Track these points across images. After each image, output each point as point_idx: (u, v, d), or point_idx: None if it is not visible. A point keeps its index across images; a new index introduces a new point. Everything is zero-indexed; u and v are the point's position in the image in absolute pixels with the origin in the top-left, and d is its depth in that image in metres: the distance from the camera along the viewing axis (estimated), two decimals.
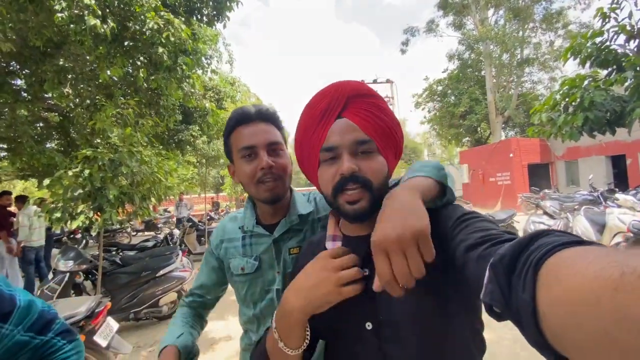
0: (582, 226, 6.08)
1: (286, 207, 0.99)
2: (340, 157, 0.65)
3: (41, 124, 7.91)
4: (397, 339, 0.62)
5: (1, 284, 0.66)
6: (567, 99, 3.21)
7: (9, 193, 6.30)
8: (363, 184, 0.64)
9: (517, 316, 0.37)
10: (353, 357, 0.66)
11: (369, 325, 0.63)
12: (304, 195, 1.06)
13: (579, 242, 0.36)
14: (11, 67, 5.97)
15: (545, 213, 5.88)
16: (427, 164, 0.72)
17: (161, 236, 8.51)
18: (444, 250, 0.59)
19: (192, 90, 3.98)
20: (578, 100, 2.97)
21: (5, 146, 7.39)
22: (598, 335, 0.26)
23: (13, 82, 6.44)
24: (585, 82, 3.21)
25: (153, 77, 3.47)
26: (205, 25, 4.75)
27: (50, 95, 5.59)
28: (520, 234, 5.97)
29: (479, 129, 21.71)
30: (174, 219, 14.87)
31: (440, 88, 21.95)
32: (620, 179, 11.45)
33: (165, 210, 17.51)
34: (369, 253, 0.64)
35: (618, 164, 12.01)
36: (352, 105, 0.67)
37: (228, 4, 4.46)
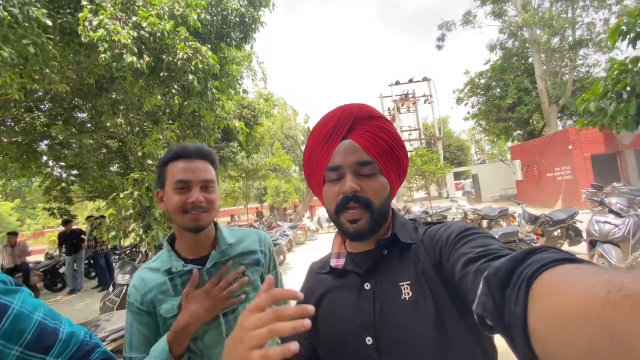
0: None
1: (212, 241, 1.04)
2: (344, 176, 0.67)
3: (104, 150, 8.92)
4: (397, 354, 0.61)
5: (47, 318, 0.72)
6: (617, 86, 2.84)
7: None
8: (364, 204, 0.66)
9: (508, 329, 0.37)
10: None
11: (369, 340, 0.64)
12: (232, 230, 1.14)
13: (572, 259, 0.36)
14: (75, 103, 6.81)
15: (611, 211, 5.19)
16: None
17: None
18: (441, 265, 0.60)
19: (222, 112, 4.22)
20: (629, 86, 2.62)
21: (74, 172, 8.41)
22: (585, 351, 0.26)
23: (78, 115, 7.36)
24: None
25: (187, 102, 3.76)
26: (234, 48, 5.04)
27: (108, 124, 6.30)
28: (584, 234, 5.33)
29: (530, 120, 20.03)
30: None
31: (483, 81, 20.69)
32: None
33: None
34: (370, 268, 0.68)
35: None
36: (358, 127, 0.69)
37: (253, 26, 4.71)
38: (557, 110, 17.22)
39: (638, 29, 2.71)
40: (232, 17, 4.52)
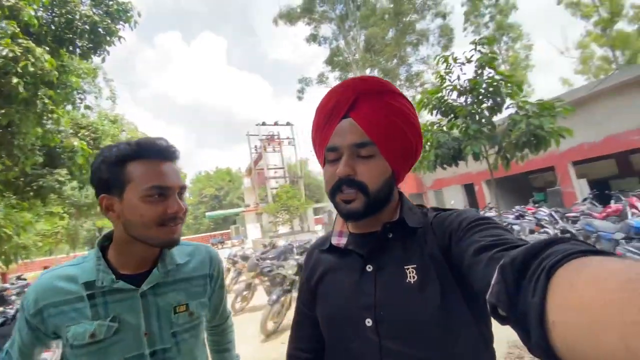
0: None
1: (155, 256, 0.86)
2: (341, 158, 0.65)
3: None
4: (397, 337, 0.61)
5: None
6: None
7: None
8: (358, 188, 0.64)
9: (522, 321, 0.35)
10: (353, 353, 0.66)
11: (368, 322, 0.63)
12: (181, 244, 0.93)
13: (597, 251, 0.34)
14: None
15: None
16: None
17: (12, 311, 6.48)
18: (450, 250, 0.60)
19: (57, 127, 3.42)
20: (429, 141, 3.92)
21: None
22: (617, 348, 0.24)
23: None
24: (435, 127, 4.25)
25: (4, 111, 2.85)
26: (78, 58, 4.27)
27: None
28: None
29: None
30: None
31: None
32: (473, 203, 14.39)
33: (18, 278, 13.53)
34: (373, 250, 0.67)
35: (470, 190, 15.13)
36: (361, 103, 0.65)
37: (108, 38, 4.14)
38: None
39: (433, 103, 4.10)
40: (79, 23, 3.85)
